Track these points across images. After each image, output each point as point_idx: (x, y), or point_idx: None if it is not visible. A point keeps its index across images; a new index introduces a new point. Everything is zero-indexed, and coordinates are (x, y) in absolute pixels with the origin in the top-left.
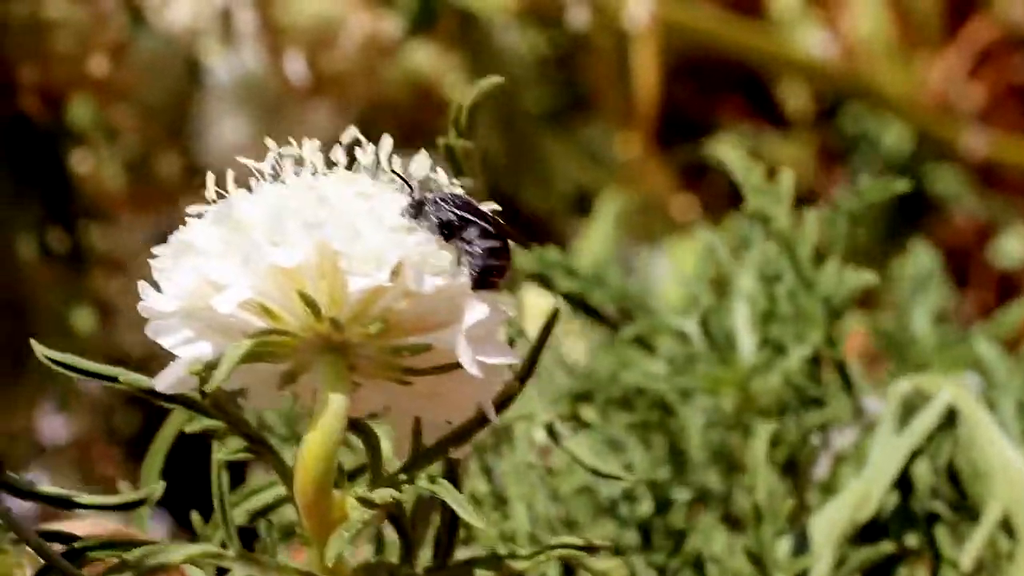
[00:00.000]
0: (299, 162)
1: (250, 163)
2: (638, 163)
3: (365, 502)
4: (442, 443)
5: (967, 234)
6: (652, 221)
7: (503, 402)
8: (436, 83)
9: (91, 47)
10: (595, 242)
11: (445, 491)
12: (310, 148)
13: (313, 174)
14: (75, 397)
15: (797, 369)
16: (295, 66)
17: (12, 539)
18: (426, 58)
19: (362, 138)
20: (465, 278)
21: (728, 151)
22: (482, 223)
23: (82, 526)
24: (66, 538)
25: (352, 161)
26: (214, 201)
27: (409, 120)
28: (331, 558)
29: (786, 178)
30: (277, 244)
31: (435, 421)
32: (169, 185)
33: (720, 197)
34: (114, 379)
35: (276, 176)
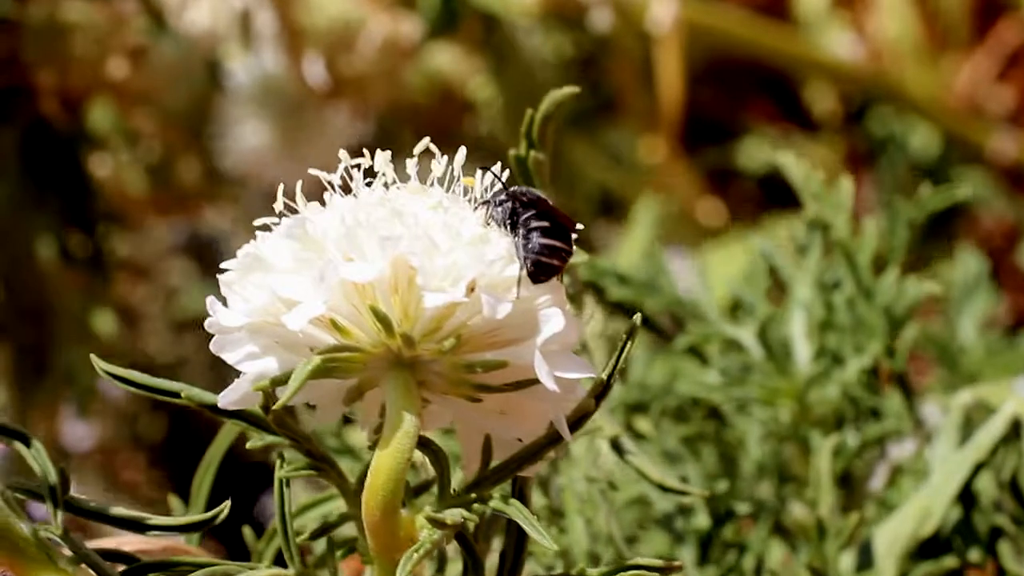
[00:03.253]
0: (369, 173)
1: (322, 175)
2: (663, 166)
3: (435, 523)
4: (513, 461)
5: (996, 237)
6: (677, 225)
7: (578, 420)
8: (458, 86)
9: (110, 51)
10: (633, 250)
11: (517, 512)
12: (382, 160)
13: (385, 186)
14: (96, 402)
15: (855, 380)
16: (315, 69)
17: (70, 559)
18: (448, 61)
19: (435, 149)
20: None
21: (787, 156)
22: (546, 220)
23: (131, 542)
24: (124, 558)
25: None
26: (283, 214)
27: (431, 123)
28: None
29: (846, 186)
30: (351, 259)
31: (505, 438)
32: (190, 189)
33: (746, 202)
34: (176, 395)
35: (346, 188)
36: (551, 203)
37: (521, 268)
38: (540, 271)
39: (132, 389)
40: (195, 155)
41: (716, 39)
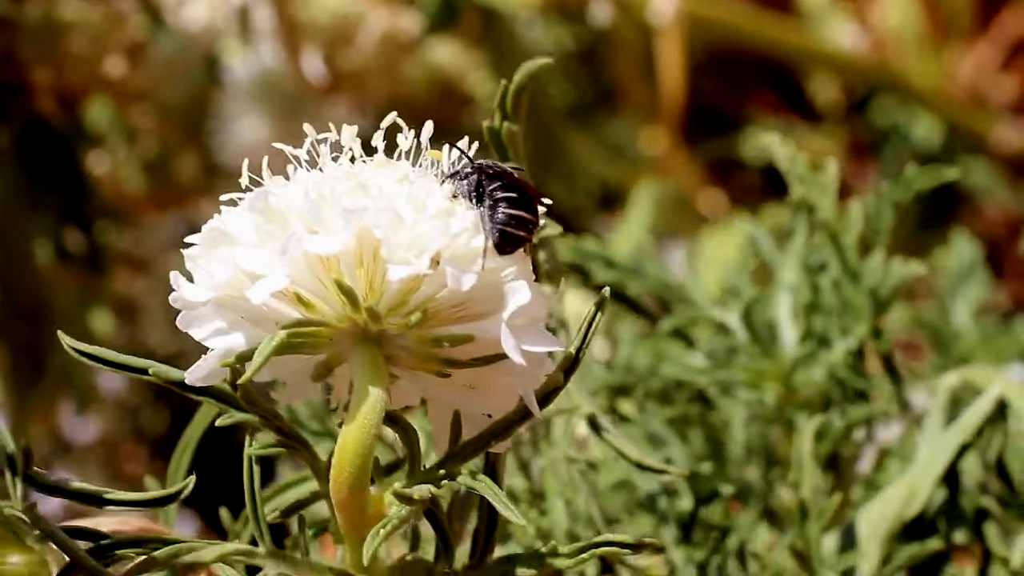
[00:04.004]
0: (336, 149)
1: (287, 149)
2: (665, 158)
3: (403, 498)
4: (482, 437)
5: (999, 226)
6: (679, 216)
7: (547, 395)
8: (458, 80)
9: (107, 48)
10: (629, 234)
11: (486, 488)
12: (348, 134)
13: (352, 160)
14: (94, 398)
15: (841, 362)
16: (314, 64)
17: (37, 536)
18: (448, 55)
19: (402, 123)
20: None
21: (772, 140)
22: (512, 192)
23: (108, 523)
24: (92, 535)
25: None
26: (248, 189)
27: (431, 117)
28: (367, 556)
29: (831, 168)
30: (315, 232)
31: (474, 414)
32: (188, 184)
33: (749, 192)
34: (144, 371)
35: (313, 163)
36: (517, 175)
37: (487, 239)
38: (506, 242)
39: (100, 366)
40: (193, 151)
41: (718, 30)
